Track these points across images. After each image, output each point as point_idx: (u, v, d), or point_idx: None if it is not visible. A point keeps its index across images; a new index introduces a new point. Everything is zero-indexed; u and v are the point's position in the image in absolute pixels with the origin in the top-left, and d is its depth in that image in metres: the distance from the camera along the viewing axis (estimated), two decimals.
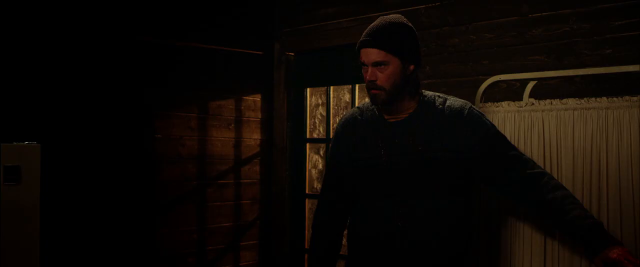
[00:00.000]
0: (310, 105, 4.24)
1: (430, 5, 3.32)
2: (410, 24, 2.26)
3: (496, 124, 2.75)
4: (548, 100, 2.61)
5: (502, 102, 2.76)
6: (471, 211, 2.34)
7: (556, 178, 2.45)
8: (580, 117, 2.50)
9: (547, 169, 2.55)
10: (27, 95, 3.08)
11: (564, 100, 2.55)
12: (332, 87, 4.04)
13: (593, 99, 2.48)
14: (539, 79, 2.79)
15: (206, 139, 3.84)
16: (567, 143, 2.52)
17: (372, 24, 2.23)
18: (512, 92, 2.95)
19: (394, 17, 2.25)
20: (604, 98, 2.45)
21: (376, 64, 2.17)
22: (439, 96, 2.29)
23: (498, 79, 2.87)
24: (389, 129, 2.26)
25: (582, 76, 2.74)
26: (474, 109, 2.26)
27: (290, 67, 4.12)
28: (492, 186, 2.34)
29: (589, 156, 2.46)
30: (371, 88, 2.19)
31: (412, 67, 2.22)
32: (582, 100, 2.51)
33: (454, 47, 3.21)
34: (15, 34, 3.05)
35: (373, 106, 2.33)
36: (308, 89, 4.17)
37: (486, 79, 2.92)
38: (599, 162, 2.44)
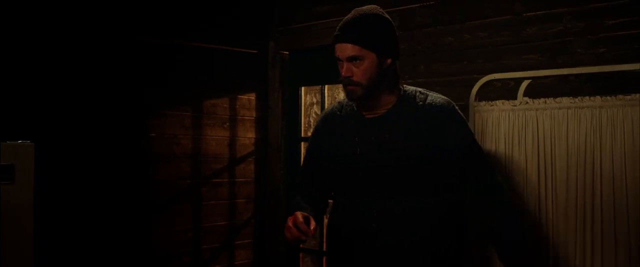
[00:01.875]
0: (305, 104, 4.24)
1: (424, 4, 3.32)
2: (386, 15, 2.17)
3: (490, 123, 2.75)
4: (542, 99, 2.61)
5: (496, 101, 2.76)
6: (458, 210, 2.22)
7: (550, 177, 2.47)
8: (574, 116, 2.50)
9: (541, 168, 2.55)
10: (22, 93, 3.07)
11: (558, 99, 2.55)
12: (326, 86, 4.04)
13: (587, 97, 2.48)
14: (533, 78, 2.80)
15: (201, 138, 3.83)
16: (561, 142, 2.53)
17: (346, 16, 2.15)
18: (507, 91, 2.96)
19: (368, 8, 2.16)
20: (598, 97, 2.45)
21: (351, 59, 2.10)
22: (420, 92, 2.21)
23: (492, 78, 2.87)
24: (366, 125, 2.18)
25: (577, 75, 2.75)
26: (457, 109, 2.19)
27: (285, 66, 4.11)
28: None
29: (583, 155, 2.47)
30: (347, 84, 2.13)
31: (389, 60, 2.14)
32: (576, 99, 2.51)
33: (448, 46, 3.22)
34: (11, 32, 3.04)
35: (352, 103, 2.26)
36: (303, 88, 4.17)
37: (480, 78, 2.92)
38: (593, 161, 2.44)
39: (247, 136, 4.07)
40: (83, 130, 3.29)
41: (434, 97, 2.18)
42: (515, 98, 2.79)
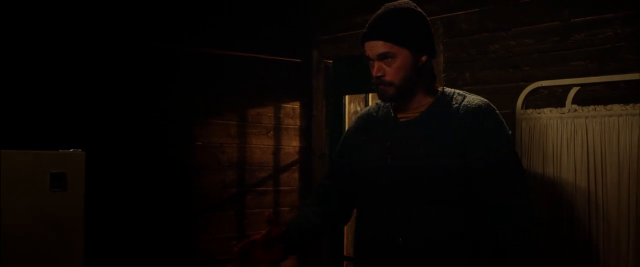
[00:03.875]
0: (349, 112, 4.24)
1: (469, 11, 3.30)
2: (419, 9, 1.99)
3: (538, 131, 2.71)
4: (592, 107, 2.56)
5: (544, 109, 2.72)
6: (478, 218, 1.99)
7: (601, 185, 2.41)
8: (626, 123, 2.45)
9: (592, 177, 2.50)
10: (73, 104, 3.15)
11: (609, 106, 2.51)
12: (370, 94, 4.04)
13: (638, 104, 2.43)
14: (581, 85, 2.75)
15: (245, 147, 3.87)
16: (612, 150, 2.48)
17: (376, 12, 1.99)
18: (555, 98, 2.91)
19: (399, 2, 1.99)
20: None
21: (382, 57, 1.94)
22: (459, 93, 2.01)
23: (539, 85, 2.83)
24: (399, 129, 2.01)
25: (627, 82, 2.69)
26: (494, 113, 1.94)
27: (329, 74, 4.13)
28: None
29: (635, 163, 2.41)
30: (378, 84, 1.97)
31: (424, 58, 1.96)
32: (628, 106, 2.46)
33: (494, 53, 3.18)
34: (59, 45, 3.13)
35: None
36: (346, 96, 4.18)
37: (527, 85, 2.89)
38: None
39: (292, 144, 4.10)
40: (130, 139, 3.36)
41: (472, 98, 1.98)
42: (563, 105, 2.75)
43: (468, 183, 1.92)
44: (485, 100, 1.97)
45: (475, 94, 2.02)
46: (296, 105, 4.12)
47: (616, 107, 2.49)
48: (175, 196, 3.54)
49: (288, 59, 4.05)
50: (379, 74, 1.95)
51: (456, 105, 1.95)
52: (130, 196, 3.34)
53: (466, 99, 1.96)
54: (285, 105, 4.07)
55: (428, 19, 2.01)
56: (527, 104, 2.86)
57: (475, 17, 3.27)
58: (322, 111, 4.11)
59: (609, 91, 2.77)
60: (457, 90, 2.02)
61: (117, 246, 3.27)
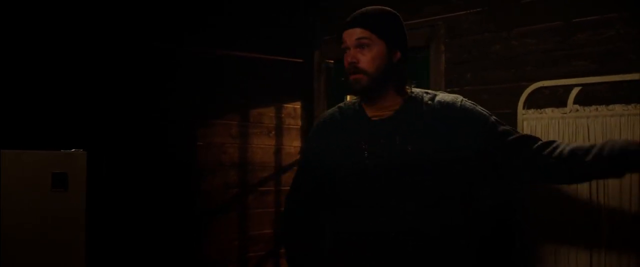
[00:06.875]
0: None
1: (471, 11, 3.29)
2: (396, 13, 2.07)
3: (540, 131, 2.71)
4: (593, 107, 2.55)
5: (546, 109, 2.71)
6: (470, 215, 2.06)
7: (602, 188, 2.40)
8: (628, 123, 2.44)
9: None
10: (74, 104, 3.15)
11: (611, 107, 2.49)
12: None
13: None
14: (583, 85, 2.74)
15: (247, 147, 3.87)
16: None
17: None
18: (556, 98, 2.90)
19: (379, 6, 2.07)
20: None
21: (359, 45, 1.96)
22: (427, 92, 2.06)
23: (541, 85, 2.82)
24: (374, 128, 2.00)
25: (629, 82, 2.68)
26: (466, 100, 2.03)
27: (330, 74, 4.12)
28: (513, 174, 2.06)
29: None
30: (352, 72, 1.96)
31: (398, 54, 2.00)
32: (630, 107, 2.44)
33: (496, 53, 3.18)
34: (60, 46, 3.13)
35: (354, 104, 2.11)
36: (348, 96, 4.17)
37: (529, 86, 2.87)
38: None
39: (293, 144, 4.09)
40: (132, 139, 3.36)
41: (443, 95, 2.05)
42: (565, 106, 2.74)
43: (460, 174, 1.98)
44: (454, 94, 2.06)
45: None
46: (297, 105, 4.12)
47: (618, 108, 2.47)
48: (177, 195, 3.53)
49: (290, 59, 4.05)
50: (353, 60, 1.96)
51: (430, 102, 2.02)
52: (131, 196, 3.34)
53: (438, 96, 2.04)
54: (287, 105, 4.07)
55: (402, 21, 2.07)
56: (529, 104, 2.85)
57: (476, 18, 3.27)
58: (324, 111, 4.10)
59: (611, 91, 2.77)
60: (424, 90, 2.08)
61: (118, 246, 3.27)
